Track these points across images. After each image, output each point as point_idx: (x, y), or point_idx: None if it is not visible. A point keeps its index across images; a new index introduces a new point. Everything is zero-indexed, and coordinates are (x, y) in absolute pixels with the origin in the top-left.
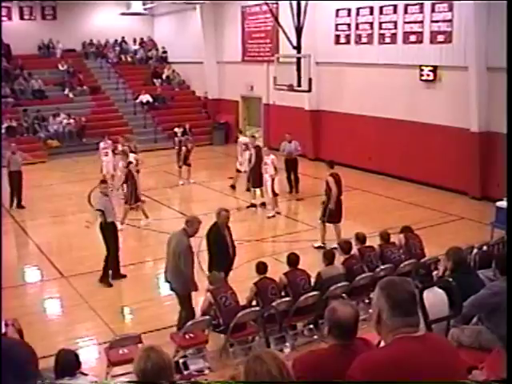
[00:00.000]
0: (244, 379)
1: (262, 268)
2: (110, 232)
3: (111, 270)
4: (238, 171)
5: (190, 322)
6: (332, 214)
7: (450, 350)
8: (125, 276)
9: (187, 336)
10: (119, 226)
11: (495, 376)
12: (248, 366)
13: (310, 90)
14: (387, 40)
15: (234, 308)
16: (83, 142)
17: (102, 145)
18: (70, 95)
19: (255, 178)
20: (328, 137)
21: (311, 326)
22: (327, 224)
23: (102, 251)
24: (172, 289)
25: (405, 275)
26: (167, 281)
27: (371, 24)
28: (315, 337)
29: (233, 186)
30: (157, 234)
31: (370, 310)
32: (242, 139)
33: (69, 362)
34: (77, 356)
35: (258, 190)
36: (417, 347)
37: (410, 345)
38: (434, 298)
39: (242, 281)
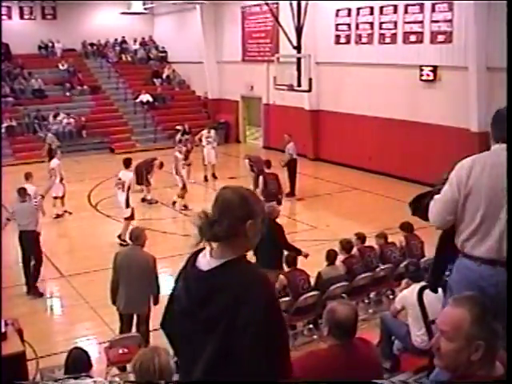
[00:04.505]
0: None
1: None
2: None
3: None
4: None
5: None
6: None
7: None
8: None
9: None
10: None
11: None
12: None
13: (310, 90)
14: (387, 40)
15: None
16: (83, 141)
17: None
18: (70, 95)
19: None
20: (328, 137)
21: (311, 326)
22: None
23: (102, 251)
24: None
25: (401, 274)
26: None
27: (371, 24)
28: (315, 337)
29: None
30: (157, 234)
31: (370, 310)
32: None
33: (80, 363)
34: (89, 357)
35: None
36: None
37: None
38: (434, 298)
39: None
